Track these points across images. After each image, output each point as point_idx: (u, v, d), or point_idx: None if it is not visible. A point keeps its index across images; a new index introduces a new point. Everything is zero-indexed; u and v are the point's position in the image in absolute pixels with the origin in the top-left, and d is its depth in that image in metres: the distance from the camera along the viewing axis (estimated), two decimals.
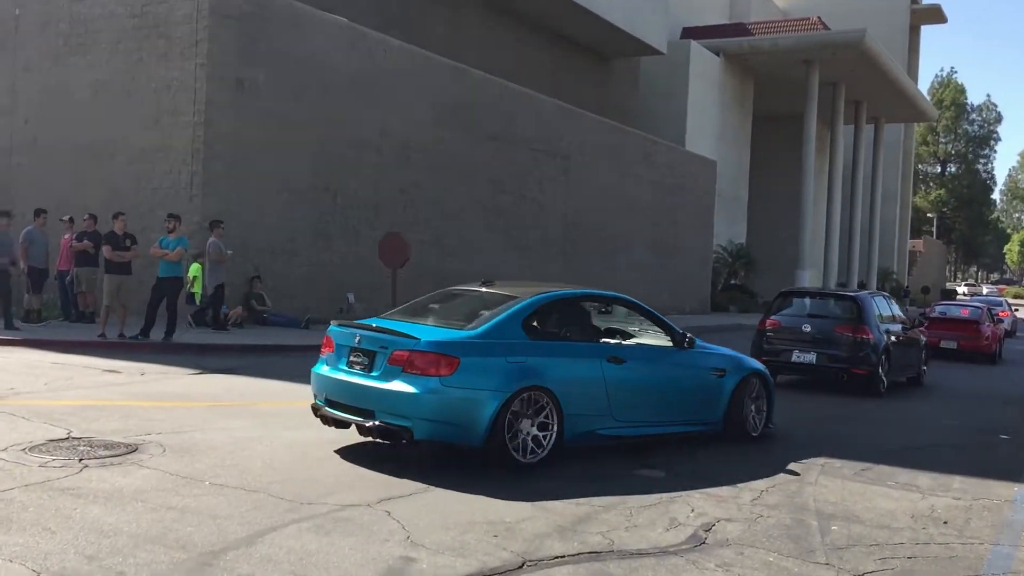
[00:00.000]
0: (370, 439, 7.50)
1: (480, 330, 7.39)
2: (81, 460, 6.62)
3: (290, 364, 13.20)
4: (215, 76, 17.36)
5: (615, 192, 30.52)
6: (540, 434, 7.31)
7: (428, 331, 7.40)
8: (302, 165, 19.10)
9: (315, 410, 7.72)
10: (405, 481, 6.60)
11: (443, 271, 22.57)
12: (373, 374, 7.19)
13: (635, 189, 31.80)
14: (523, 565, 5.00)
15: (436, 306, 8.49)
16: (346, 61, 20.00)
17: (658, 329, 8.80)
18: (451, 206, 23.22)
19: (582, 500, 6.39)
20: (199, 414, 8.89)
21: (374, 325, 7.66)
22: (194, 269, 16.40)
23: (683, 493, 6.80)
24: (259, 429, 8.23)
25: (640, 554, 5.34)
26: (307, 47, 19.04)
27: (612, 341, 8.49)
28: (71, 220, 16.41)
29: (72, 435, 7.46)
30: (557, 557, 5.18)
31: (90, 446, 7.08)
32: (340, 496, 6.09)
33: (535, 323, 7.83)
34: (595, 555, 5.26)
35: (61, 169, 18.68)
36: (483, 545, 5.27)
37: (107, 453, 6.89)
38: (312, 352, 14.74)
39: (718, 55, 40.06)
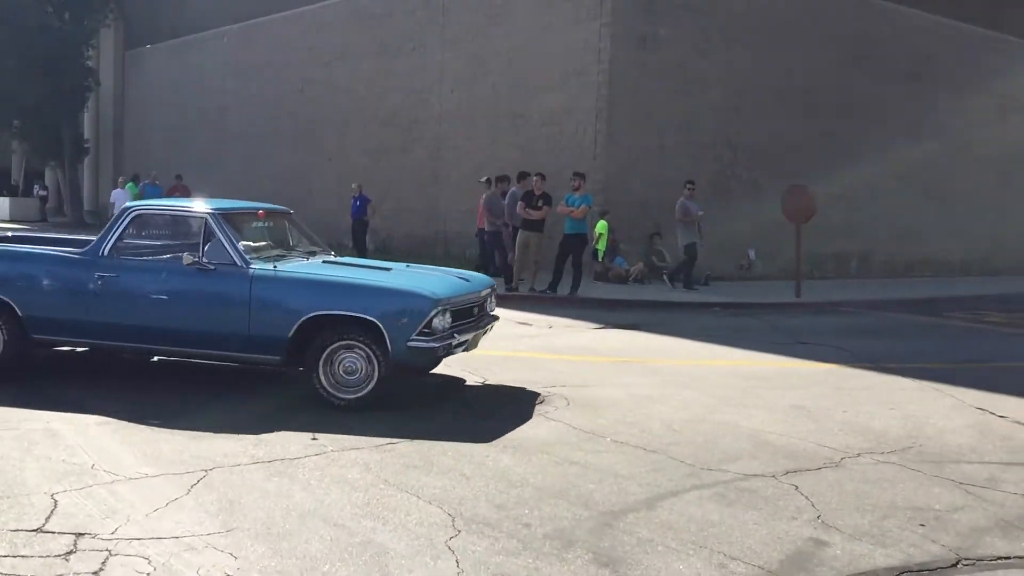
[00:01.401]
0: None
1: None
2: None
3: (688, 322, 13.07)
4: (618, 35, 17.59)
5: None
6: None
7: None
8: (703, 119, 18.77)
9: None
10: (813, 452, 6.11)
11: (850, 225, 21.09)
12: None
13: None
14: (958, 563, 4.34)
15: None
16: (748, 7, 19.20)
17: None
18: (860, 155, 21.48)
19: None
20: (601, 369, 9.04)
21: None
22: (600, 226, 16.83)
23: None
24: (658, 387, 8.15)
25: None
26: None
27: None
28: (488, 181, 17.57)
29: (487, 383, 7.92)
30: (1000, 558, 4.43)
31: (498, 395, 7.46)
32: (743, 464, 5.78)
33: None
34: None
35: (482, 134, 20.15)
36: (907, 535, 4.67)
37: (516, 404, 7.20)
38: (706, 309, 14.68)
39: None
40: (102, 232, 7.52)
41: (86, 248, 7.54)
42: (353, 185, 20.07)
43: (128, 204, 7.89)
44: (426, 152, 21.63)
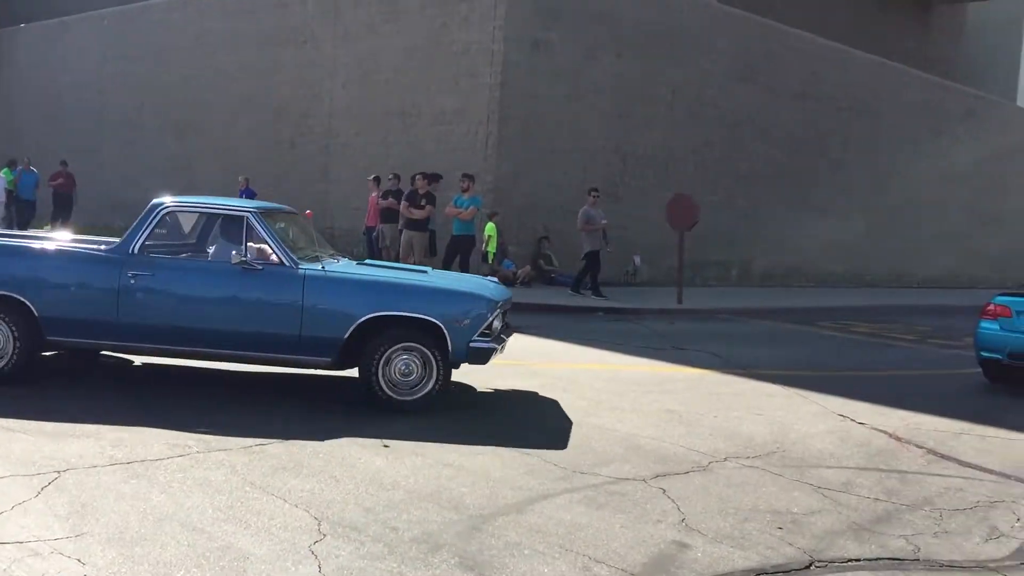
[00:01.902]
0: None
1: None
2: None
3: (571, 326, 13.22)
4: (512, 37, 17.67)
5: (930, 153, 27.79)
6: None
7: None
8: (594, 125, 19.04)
9: (994, 365, 10.21)
10: (682, 456, 6.25)
11: (733, 234, 21.74)
12: None
13: (953, 150, 28.78)
14: (811, 565, 4.50)
15: None
16: (641, 18, 19.58)
17: None
18: (744, 166, 22.22)
19: (881, 495, 5.71)
20: (480, 371, 9.01)
21: None
22: (489, 228, 16.85)
23: (1006, 496, 5.90)
24: (536, 390, 8.20)
25: (952, 566, 4.64)
26: (602, 4, 18.85)
27: None
28: (376, 179, 17.40)
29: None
30: (851, 560, 4.61)
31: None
32: (614, 468, 5.86)
33: None
34: (896, 562, 4.63)
35: (373, 131, 19.93)
36: (765, 537, 4.81)
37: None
38: (590, 313, 14.87)
39: None
40: (130, 229, 7.17)
41: (113, 246, 7.24)
42: (240, 178, 19.59)
43: (158, 200, 7.37)
44: (316, 147, 21.27)
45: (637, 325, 14.02)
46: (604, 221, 16.39)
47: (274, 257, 7.00)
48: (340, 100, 20.72)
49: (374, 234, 17.44)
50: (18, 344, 6.91)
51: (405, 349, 6.88)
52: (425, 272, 7.89)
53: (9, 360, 6.90)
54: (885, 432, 7.49)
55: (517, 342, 11.25)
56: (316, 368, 7.24)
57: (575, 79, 18.59)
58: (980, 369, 10.50)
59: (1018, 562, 4.77)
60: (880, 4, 31.60)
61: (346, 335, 6.83)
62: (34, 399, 6.61)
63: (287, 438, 5.92)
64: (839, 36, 26.06)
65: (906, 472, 6.36)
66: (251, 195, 19.24)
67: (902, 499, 5.69)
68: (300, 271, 6.96)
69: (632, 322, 14.40)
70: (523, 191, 17.71)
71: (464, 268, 14.70)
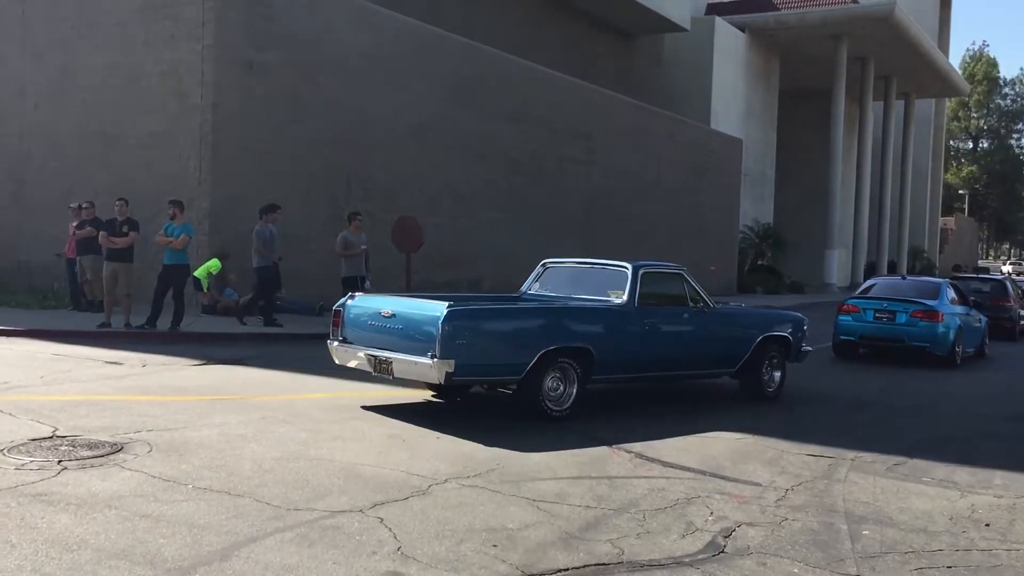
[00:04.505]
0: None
1: None
2: (60, 462, 6.24)
3: (299, 354, 12.84)
4: (223, 58, 16.96)
5: (638, 173, 29.89)
6: None
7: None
8: (314, 148, 18.67)
9: (847, 344, 15.73)
10: (403, 482, 6.16)
11: (458, 254, 22.15)
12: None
13: (659, 169, 31.15)
14: None
15: None
16: (357, 40, 19.50)
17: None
18: (465, 188, 22.73)
19: (592, 502, 5.93)
20: (196, 409, 8.50)
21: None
22: (212, 264, 15.94)
23: (701, 492, 6.33)
24: (255, 425, 7.82)
25: (652, 565, 4.88)
26: (316, 27, 18.56)
27: None
28: (79, 207, 16.08)
29: (57, 433, 7.09)
30: (560, 570, 4.72)
31: (73, 446, 6.70)
32: (331, 500, 5.67)
33: None
34: (602, 567, 4.80)
35: (71, 155, 18.41)
36: (480, 557, 4.82)
37: (89, 454, 6.51)
38: (318, 340, 14.43)
39: (743, 31, 39.14)
40: (628, 288, 9.36)
41: (623, 301, 9.32)
42: None
43: (631, 265, 9.59)
44: (5, 173, 19.31)
45: None
46: (364, 247, 15.97)
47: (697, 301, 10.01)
48: (34, 119, 18.95)
49: (76, 267, 16.09)
50: (577, 387, 8.63)
51: (772, 358, 10.55)
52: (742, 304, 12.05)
53: (571, 401, 8.61)
54: (595, 440, 7.83)
55: (236, 375, 10.80)
56: (723, 377, 10.67)
57: (294, 102, 18.14)
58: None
59: (710, 554, 5.11)
60: (587, 34, 33.59)
61: (749, 351, 10.26)
62: None
63: None
64: (551, 62, 27.42)
65: (615, 477, 6.67)
66: None
67: (610, 504, 5.93)
68: (716, 308, 10.17)
69: None
70: (242, 217, 16.99)
71: (179, 299, 13.86)
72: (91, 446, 6.72)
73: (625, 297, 9.31)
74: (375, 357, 8.44)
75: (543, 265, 10.70)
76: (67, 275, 16.40)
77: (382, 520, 5.33)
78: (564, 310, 9.23)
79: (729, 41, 38.05)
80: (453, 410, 9.05)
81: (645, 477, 6.72)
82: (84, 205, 15.81)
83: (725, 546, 5.24)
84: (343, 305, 9.13)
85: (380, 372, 8.47)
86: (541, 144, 25.44)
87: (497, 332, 8.42)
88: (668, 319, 9.68)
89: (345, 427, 7.91)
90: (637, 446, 7.66)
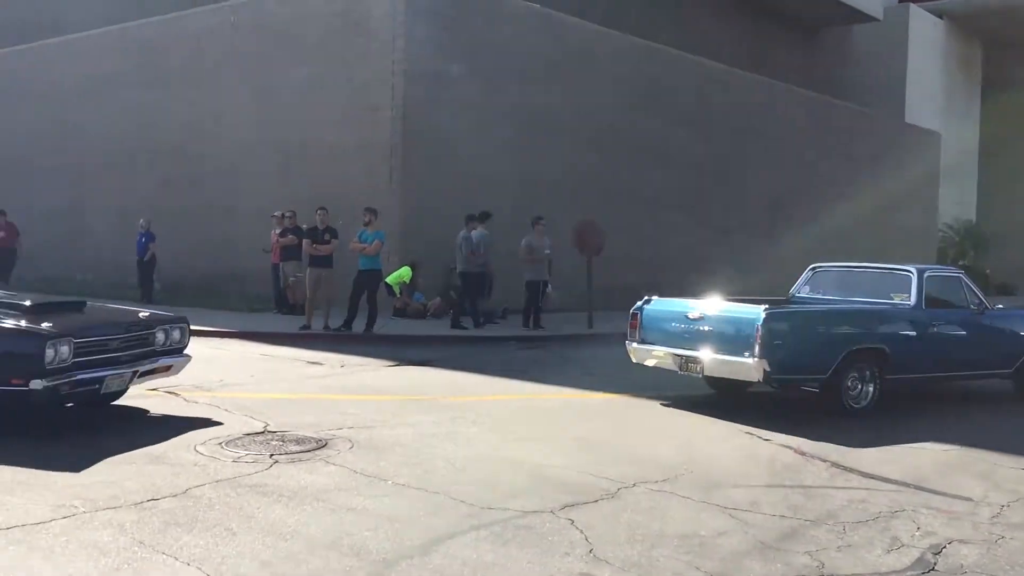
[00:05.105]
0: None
1: None
2: (272, 456, 6.67)
3: (482, 356, 13.14)
4: (412, 71, 17.65)
5: (825, 171, 28.73)
6: None
7: None
8: (499, 154, 19.08)
9: None
10: (591, 485, 6.20)
11: (638, 257, 22.01)
12: None
13: (846, 166, 29.80)
14: None
15: None
16: (540, 48, 19.80)
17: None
18: (646, 191, 22.56)
19: (787, 512, 5.75)
20: (391, 408, 8.87)
21: None
22: (404, 272, 16.63)
23: (906, 505, 6.01)
24: (447, 425, 8.08)
25: None
26: (501, 37, 18.99)
27: None
28: (282, 216, 17.10)
29: (268, 429, 7.58)
30: None
31: (282, 441, 7.15)
32: (522, 501, 5.77)
33: None
34: None
35: (272, 166, 19.61)
36: (673, 563, 4.78)
37: (297, 448, 6.92)
38: (504, 343, 14.79)
39: (941, 18, 36.89)
40: (914, 293, 9.63)
41: (913, 304, 9.61)
42: (141, 221, 19.04)
43: (915, 268, 9.92)
44: (216, 186, 20.82)
45: (548, 352, 14.02)
46: (548, 252, 16.20)
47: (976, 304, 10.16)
48: (239, 136, 20.34)
49: (280, 273, 17.12)
50: (873, 386, 9.11)
51: None
52: None
53: (869, 399, 9.08)
54: (790, 448, 7.59)
55: (426, 376, 11.18)
56: (999, 378, 10.55)
57: (478, 110, 18.64)
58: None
59: (919, 572, 4.84)
60: (770, 29, 32.63)
61: None
62: None
63: (177, 493, 5.66)
64: (730, 59, 26.79)
65: (811, 487, 6.44)
66: (151, 238, 18.73)
67: (806, 514, 5.74)
68: (995, 310, 10.41)
69: (544, 350, 14.40)
70: (429, 223, 17.60)
71: (372, 302, 14.51)
72: (299, 441, 7.14)
73: (913, 299, 9.64)
74: (681, 356, 9.11)
75: (812, 269, 11.12)
76: (272, 280, 17.45)
77: (572, 522, 5.38)
78: (866, 312, 9.71)
79: (925, 29, 35.99)
80: (634, 415, 9.00)
81: (843, 488, 6.46)
82: (287, 214, 16.79)
83: (935, 564, 4.96)
84: (640, 308, 9.82)
85: (686, 370, 9.11)
86: (722, 144, 24.92)
87: (809, 333, 9.04)
88: (951, 320, 9.91)
89: (533, 429, 8.03)
90: (833, 454, 7.37)
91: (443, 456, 6.88)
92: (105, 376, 7.24)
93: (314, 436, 7.33)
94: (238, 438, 7.20)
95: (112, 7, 24.70)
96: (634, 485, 6.24)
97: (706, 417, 8.83)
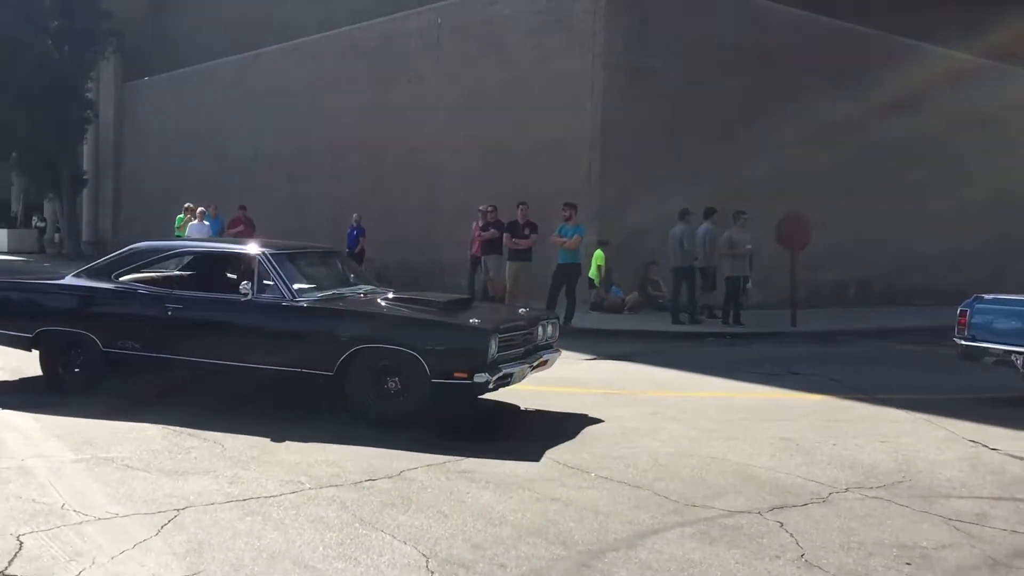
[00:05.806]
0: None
1: None
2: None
3: (681, 352, 12.99)
4: (611, 65, 17.67)
5: None
6: None
7: None
8: (696, 148, 18.76)
9: None
10: (800, 487, 6.00)
11: (848, 252, 21.04)
12: None
13: None
14: None
15: None
16: (741, 38, 19.29)
17: None
18: (855, 182, 21.47)
19: (1019, 527, 5.35)
20: (590, 401, 8.93)
21: None
22: (597, 256, 16.77)
23: None
24: (647, 420, 8.05)
25: None
26: (702, 28, 18.66)
27: None
28: (485, 210, 17.49)
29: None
30: None
31: (482, 431, 7.37)
32: (728, 500, 5.68)
33: None
34: None
35: (473, 162, 20.16)
36: (892, 574, 4.56)
37: (499, 439, 7.11)
38: (703, 340, 14.57)
39: None
40: None
41: None
42: (354, 216, 20.07)
43: None
44: (421, 182, 21.63)
45: (749, 350, 13.68)
46: (749, 247, 15.88)
47: None
48: (444, 134, 21.03)
49: (481, 265, 17.53)
50: None
51: None
52: None
53: None
54: (1021, 459, 7.05)
55: (625, 371, 11.18)
56: None
57: (676, 104, 18.39)
58: None
59: None
60: (990, 5, 30.21)
61: None
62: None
63: (394, 475, 5.95)
64: (943, 40, 24.97)
65: None
66: (362, 232, 19.70)
67: None
68: None
69: (744, 347, 14.06)
70: (627, 217, 17.55)
71: (571, 296, 14.64)
72: (501, 432, 7.32)
73: None
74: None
75: None
76: (470, 272, 17.93)
77: (782, 524, 5.24)
78: None
79: None
80: (842, 417, 8.62)
81: None
82: (489, 209, 17.19)
83: None
84: (970, 305, 9.62)
85: None
86: (937, 132, 23.31)
87: None
88: None
89: (736, 427, 7.86)
90: None
91: (645, 451, 6.87)
92: (515, 370, 7.49)
93: (517, 425, 7.50)
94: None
95: (333, 11, 25.90)
96: (846, 490, 6.00)
97: (925, 422, 8.34)
